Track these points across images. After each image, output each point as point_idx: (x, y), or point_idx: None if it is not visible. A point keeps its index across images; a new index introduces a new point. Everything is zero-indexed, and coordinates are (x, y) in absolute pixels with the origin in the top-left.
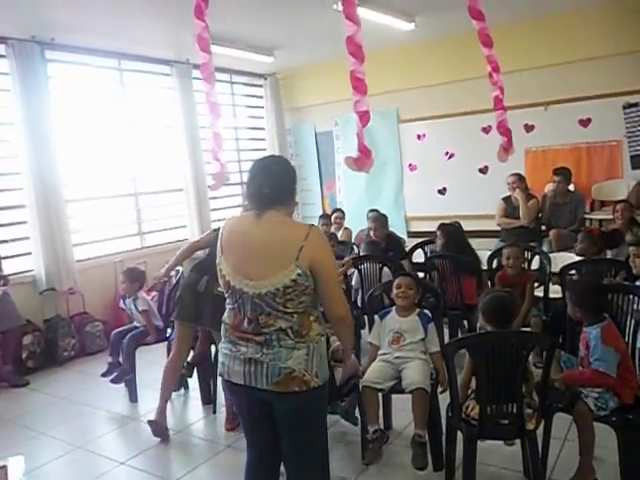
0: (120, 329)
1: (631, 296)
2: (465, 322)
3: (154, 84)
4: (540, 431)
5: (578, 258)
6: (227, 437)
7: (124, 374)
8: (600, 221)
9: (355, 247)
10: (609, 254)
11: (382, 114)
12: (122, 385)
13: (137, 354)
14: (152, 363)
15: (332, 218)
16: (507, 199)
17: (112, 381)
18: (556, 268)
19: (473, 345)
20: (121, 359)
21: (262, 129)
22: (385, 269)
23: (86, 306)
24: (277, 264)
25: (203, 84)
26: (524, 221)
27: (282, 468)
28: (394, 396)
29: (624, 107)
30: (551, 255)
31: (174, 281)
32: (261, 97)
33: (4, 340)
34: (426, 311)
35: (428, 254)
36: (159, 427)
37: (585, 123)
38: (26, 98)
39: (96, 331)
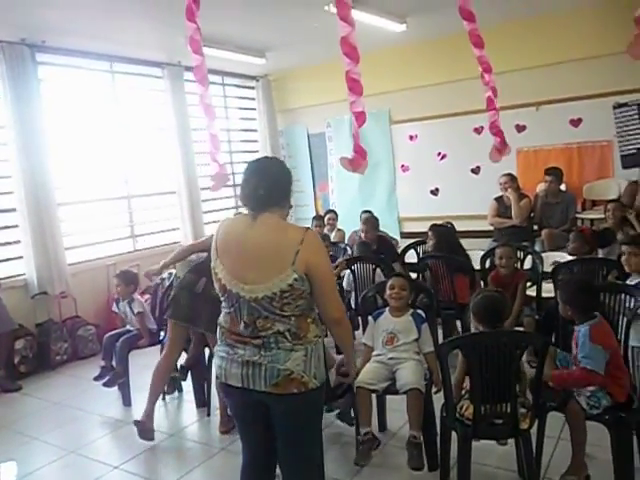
0: (113, 332)
1: (623, 295)
2: (458, 322)
3: (146, 86)
4: (534, 430)
5: (570, 257)
6: (221, 440)
7: (117, 377)
8: (592, 220)
9: (348, 248)
10: (600, 253)
11: (374, 115)
12: (115, 389)
13: (130, 358)
14: (145, 367)
15: (325, 219)
16: (499, 199)
17: (105, 384)
18: (548, 268)
19: (467, 345)
20: (114, 363)
21: (254, 131)
22: (379, 270)
23: (78, 310)
24: (273, 268)
25: (197, 86)
26: (516, 220)
27: (278, 470)
28: (388, 397)
29: (614, 107)
30: (543, 255)
31: (167, 284)
32: (253, 99)
33: None
34: (419, 311)
35: (421, 254)
36: (145, 428)
37: (576, 123)
38: (16, 101)
39: (89, 335)
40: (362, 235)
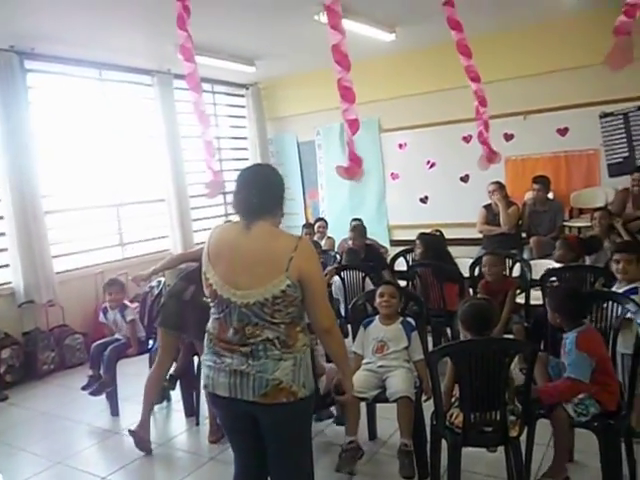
0: (101, 341)
1: (611, 302)
2: (448, 329)
3: (135, 94)
4: (523, 437)
5: (558, 265)
6: (211, 449)
7: (104, 386)
8: (579, 228)
9: (338, 256)
10: (588, 261)
11: (364, 124)
12: (103, 399)
13: (118, 367)
14: (134, 376)
15: (315, 227)
16: (488, 207)
17: (91, 393)
18: (537, 275)
19: (456, 353)
20: (102, 372)
21: (244, 139)
22: (368, 278)
23: (66, 318)
24: (267, 274)
25: (190, 94)
26: (505, 228)
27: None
28: (378, 405)
29: (600, 116)
30: (532, 262)
31: (156, 292)
32: (243, 107)
33: None
34: (409, 319)
35: (410, 262)
36: (141, 439)
37: (563, 132)
38: (5, 108)
39: (76, 344)
40: (350, 242)
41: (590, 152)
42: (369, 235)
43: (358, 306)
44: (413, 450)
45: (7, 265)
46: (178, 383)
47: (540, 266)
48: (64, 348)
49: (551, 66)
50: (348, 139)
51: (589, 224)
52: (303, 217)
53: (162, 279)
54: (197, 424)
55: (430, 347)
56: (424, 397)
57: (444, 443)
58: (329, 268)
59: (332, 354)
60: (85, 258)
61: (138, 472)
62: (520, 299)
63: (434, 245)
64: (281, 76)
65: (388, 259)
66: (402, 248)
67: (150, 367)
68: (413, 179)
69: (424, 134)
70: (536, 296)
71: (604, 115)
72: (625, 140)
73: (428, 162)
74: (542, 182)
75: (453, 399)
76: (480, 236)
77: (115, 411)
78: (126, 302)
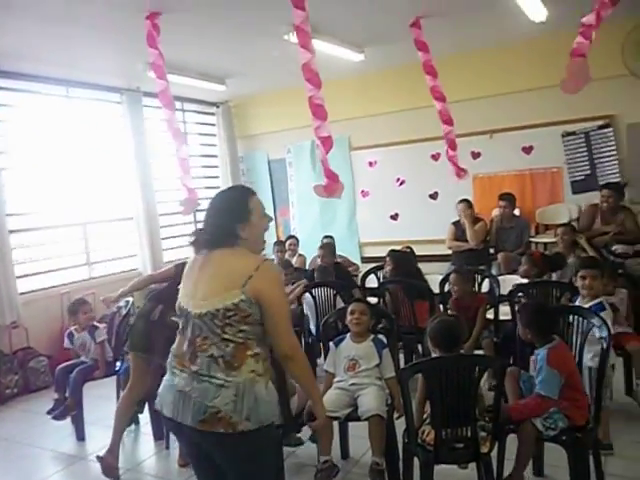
0: (66, 364)
1: (577, 317)
2: (419, 346)
3: (104, 112)
4: (494, 453)
5: (523, 280)
6: (180, 473)
7: (68, 410)
8: (545, 244)
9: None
10: (554, 276)
11: (335, 141)
12: (69, 423)
13: (85, 389)
14: (101, 398)
15: (286, 245)
16: (457, 223)
17: (55, 417)
18: (505, 290)
19: (427, 370)
20: (67, 395)
21: (214, 156)
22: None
23: (30, 340)
24: (222, 286)
25: (164, 111)
26: (472, 243)
27: None
28: (350, 423)
29: (563, 135)
30: (500, 278)
31: (124, 312)
32: (213, 125)
33: None
34: (380, 337)
35: (381, 279)
36: (108, 465)
37: (528, 150)
38: None
39: (41, 366)
40: (319, 260)
41: (554, 170)
42: (340, 252)
43: (329, 324)
44: (385, 468)
45: None
46: (146, 406)
47: (508, 281)
48: (28, 371)
49: (515, 86)
50: (322, 157)
51: (554, 240)
52: (274, 235)
53: (130, 299)
54: (167, 447)
55: (402, 364)
56: (396, 415)
57: (416, 461)
58: (297, 287)
59: (296, 380)
60: (50, 278)
61: None
62: (489, 314)
63: (404, 262)
64: (252, 94)
65: (359, 276)
66: (373, 265)
67: (117, 389)
68: (383, 196)
69: (394, 152)
70: (505, 311)
71: (566, 134)
72: (587, 158)
73: (398, 179)
74: (508, 199)
75: (425, 415)
76: (449, 252)
77: (81, 435)
78: (95, 323)
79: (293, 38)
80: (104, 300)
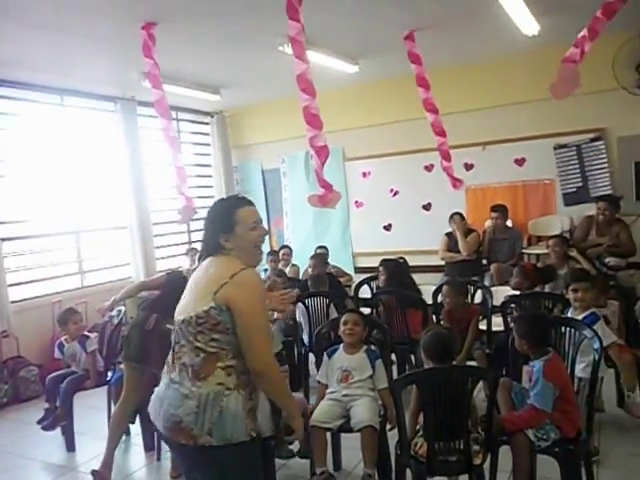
0: (57, 373)
1: (570, 328)
2: (412, 357)
3: (98, 120)
4: (486, 465)
5: (514, 292)
6: None
7: (58, 420)
8: (537, 255)
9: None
10: (547, 288)
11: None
12: (59, 433)
13: (75, 399)
14: (91, 409)
15: (280, 254)
16: (450, 234)
17: (44, 428)
18: (497, 301)
19: (420, 380)
20: (58, 404)
21: (209, 166)
22: (332, 306)
23: (21, 349)
24: (199, 293)
25: (160, 121)
26: (465, 254)
27: None
28: (343, 435)
29: (555, 148)
30: (492, 289)
31: (116, 321)
32: (208, 134)
33: None
34: (373, 347)
35: (374, 290)
36: (102, 479)
37: (520, 162)
38: None
39: (31, 376)
40: (310, 270)
41: (546, 182)
42: (334, 262)
43: (322, 334)
44: None
45: None
46: (138, 417)
47: (500, 292)
48: (18, 380)
49: (508, 99)
50: (317, 167)
51: (546, 251)
52: (268, 244)
53: (122, 308)
54: (158, 459)
55: (394, 375)
56: (388, 426)
57: (409, 473)
58: (293, 291)
59: (269, 396)
60: (42, 286)
61: None
62: (482, 325)
63: (397, 272)
64: (246, 104)
65: (352, 286)
66: (366, 275)
67: (108, 400)
68: (377, 207)
69: (387, 163)
70: (497, 322)
71: (558, 147)
72: (579, 171)
73: (391, 190)
74: (500, 210)
75: (418, 426)
76: (442, 263)
77: (71, 446)
78: (86, 333)
79: (288, 49)
80: (99, 310)
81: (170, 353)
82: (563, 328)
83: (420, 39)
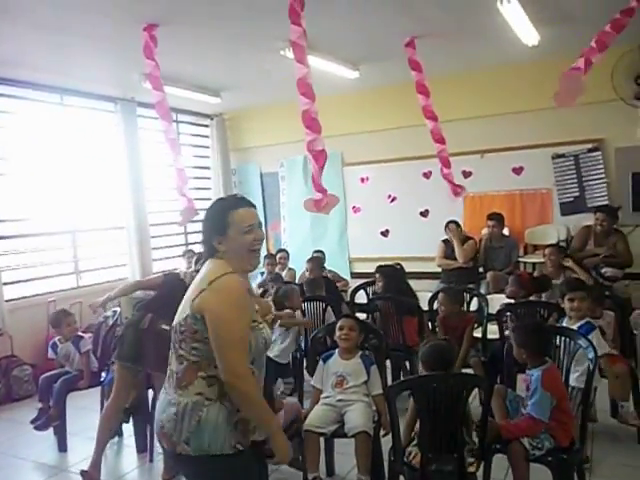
0: (50, 373)
1: (565, 338)
2: (407, 363)
3: (97, 121)
4: (480, 473)
5: (509, 300)
6: None
7: (51, 420)
8: (534, 264)
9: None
10: (543, 297)
11: (327, 157)
12: (51, 433)
13: (68, 400)
14: (84, 409)
15: (276, 258)
16: (447, 241)
17: (37, 428)
18: (493, 309)
19: (415, 387)
20: (51, 404)
21: (207, 168)
22: (329, 309)
23: (14, 348)
24: (184, 301)
25: (160, 122)
26: (461, 261)
27: None
28: (336, 440)
29: (553, 157)
30: (488, 297)
31: (111, 322)
32: (207, 137)
33: None
34: (368, 353)
35: (370, 295)
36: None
37: (518, 171)
38: None
39: (24, 375)
40: (307, 273)
41: (543, 191)
42: (330, 267)
43: (318, 339)
44: None
45: None
46: (131, 417)
47: (496, 300)
48: (11, 379)
49: (507, 108)
50: (314, 171)
51: (543, 260)
52: (265, 248)
53: (117, 309)
54: (150, 460)
55: (389, 381)
56: (382, 432)
57: (402, 479)
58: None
59: (242, 412)
60: (37, 286)
61: None
62: (477, 333)
63: (394, 277)
64: (246, 107)
65: (348, 292)
66: (363, 281)
67: (102, 400)
68: (374, 213)
69: (386, 169)
70: (493, 330)
71: (556, 156)
72: (576, 181)
73: (389, 196)
74: (497, 219)
75: (412, 434)
76: (439, 270)
77: (63, 447)
78: (80, 333)
79: (289, 53)
80: (91, 305)
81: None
82: (558, 337)
83: (421, 46)
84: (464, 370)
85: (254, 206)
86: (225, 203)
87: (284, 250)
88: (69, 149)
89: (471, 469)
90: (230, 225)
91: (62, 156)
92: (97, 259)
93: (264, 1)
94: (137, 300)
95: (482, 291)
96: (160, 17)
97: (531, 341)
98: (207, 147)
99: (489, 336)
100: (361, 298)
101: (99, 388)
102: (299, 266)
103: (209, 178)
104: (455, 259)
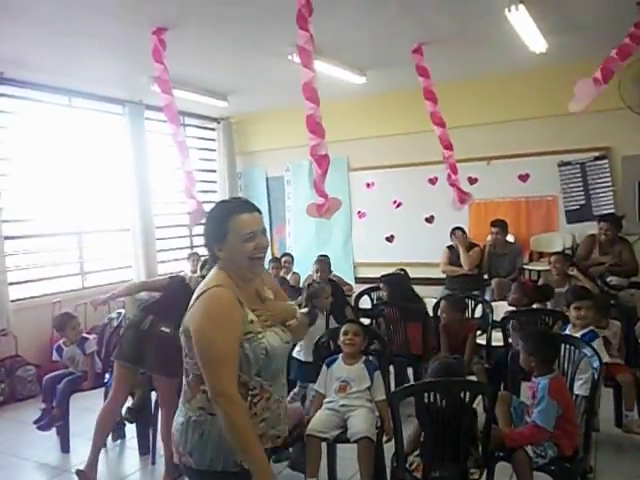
0: (54, 374)
1: (568, 345)
2: (409, 369)
3: (105, 123)
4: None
5: (511, 308)
6: None
7: (54, 421)
8: (539, 272)
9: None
10: (549, 305)
11: (333, 162)
12: (54, 434)
13: (72, 401)
14: (87, 410)
15: (281, 262)
16: (452, 247)
17: (40, 428)
18: (497, 316)
19: (418, 394)
20: (54, 405)
21: (213, 172)
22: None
23: (19, 349)
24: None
25: (169, 125)
26: (466, 268)
27: None
28: (339, 445)
29: (559, 165)
30: (493, 304)
31: (115, 324)
32: (213, 140)
33: None
34: (372, 358)
35: (375, 301)
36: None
37: (524, 178)
38: None
39: (28, 375)
40: (315, 276)
41: (549, 198)
42: (335, 272)
43: (321, 344)
44: None
45: None
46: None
47: (501, 307)
48: (15, 379)
49: (514, 115)
50: (317, 176)
51: (548, 268)
52: (270, 252)
53: (122, 311)
54: (153, 463)
55: (392, 387)
56: (385, 438)
57: None
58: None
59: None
60: (43, 286)
61: None
62: (481, 340)
63: (399, 286)
64: (253, 112)
65: (352, 296)
66: (367, 286)
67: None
68: (379, 218)
69: (391, 174)
70: (497, 337)
71: (563, 164)
72: (582, 188)
73: (395, 202)
74: (500, 226)
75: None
76: (443, 276)
77: (65, 447)
78: (85, 335)
79: (297, 58)
80: (92, 302)
81: None
82: (562, 345)
83: (427, 52)
84: (468, 377)
85: (258, 210)
86: (226, 207)
87: (289, 254)
88: (76, 151)
89: (474, 477)
90: (230, 231)
91: (69, 157)
92: (102, 260)
93: (272, 6)
94: (141, 301)
95: (487, 298)
96: (169, 21)
97: (541, 349)
98: (213, 150)
99: (493, 343)
100: (365, 303)
101: (102, 389)
102: (303, 270)
103: (215, 182)
104: (460, 265)
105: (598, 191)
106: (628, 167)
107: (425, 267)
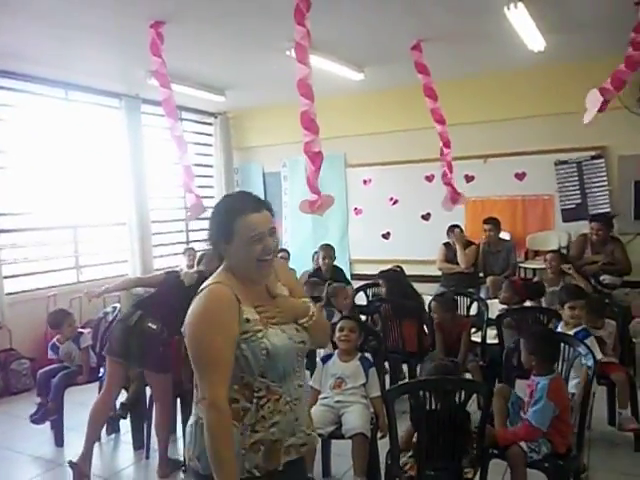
0: (49, 368)
1: (562, 344)
2: (404, 366)
3: (102, 116)
4: (477, 478)
5: (502, 306)
6: None
7: (48, 414)
8: (534, 270)
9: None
10: (543, 303)
11: (330, 158)
12: (48, 428)
13: (66, 394)
14: (82, 405)
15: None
16: (448, 245)
17: (34, 421)
18: (492, 314)
19: (413, 391)
20: (49, 399)
21: (210, 166)
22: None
23: (13, 342)
24: None
25: (167, 119)
26: (463, 266)
27: None
28: (333, 441)
29: (555, 164)
30: (488, 301)
31: (110, 318)
32: (210, 135)
33: None
34: (367, 355)
35: (370, 297)
36: (80, 473)
37: (521, 177)
38: None
39: (22, 369)
40: (320, 261)
41: (545, 197)
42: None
43: None
44: None
45: None
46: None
47: (496, 305)
48: (9, 373)
49: (511, 113)
50: (310, 173)
51: (544, 266)
52: None
53: (117, 305)
54: (147, 457)
55: (387, 384)
56: (379, 434)
57: None
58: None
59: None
60: (38, 280)
61: None
62: (476, 337)
63: (399, 282)
64: (250, 107)
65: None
66: (363, 282)
67: None
68: (376, 215)
69: (388, 171)
70: (492, 335)
71: (559, 163)
72: (578, 187)
73: (391, 199)
74: (493, 223)
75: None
76: (439, 273)
77: (60, 441)
78: (80, 329)
79: (294, 54)
80: (87, 293)
81: None
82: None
83: (427, 50)
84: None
85: (267, 208)
86: (233, 205)
87: (285, 250)
88: (72, 144)
89: (468, 475)
90: (236, 233)
91: (65, 151)
92: (98, 255)
93: (271, 1)
94: (136, 297)
95: (482, 296)
96: (167, 14)
97: (542, 349)
98: (210, 145)
99: (489, 341)
100: (361, 300)
101: (97, 383)
102: (300, 266)
103: (212, 176)
104: (456, 263)
105: (594, 190)
106: (624, 167)
107: (421, 264)
